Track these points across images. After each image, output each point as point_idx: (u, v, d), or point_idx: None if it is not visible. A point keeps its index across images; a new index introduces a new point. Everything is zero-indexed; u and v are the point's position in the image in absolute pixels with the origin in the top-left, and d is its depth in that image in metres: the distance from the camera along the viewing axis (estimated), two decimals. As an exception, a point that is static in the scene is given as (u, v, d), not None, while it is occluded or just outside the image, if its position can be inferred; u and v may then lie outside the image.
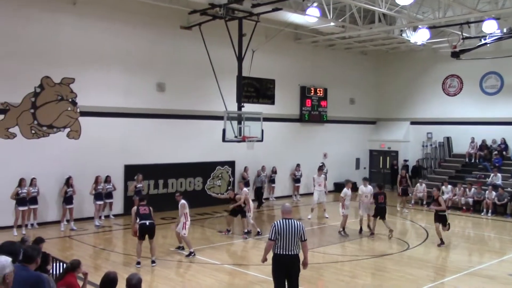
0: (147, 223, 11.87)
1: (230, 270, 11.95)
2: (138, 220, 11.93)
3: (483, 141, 24.27)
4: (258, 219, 18.28)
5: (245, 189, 16.00)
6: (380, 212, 15.63)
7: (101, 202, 17.02)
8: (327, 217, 18.51)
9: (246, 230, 15.49)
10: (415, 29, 21.97)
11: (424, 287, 10.77)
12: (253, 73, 19.14)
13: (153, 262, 11.99)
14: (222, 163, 21.71)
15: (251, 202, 15.78)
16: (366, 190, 16.29)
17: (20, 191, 15.27)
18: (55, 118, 16.89)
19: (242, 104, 18.01)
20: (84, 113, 17.50)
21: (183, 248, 13.39)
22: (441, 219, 14.79)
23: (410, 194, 22.17)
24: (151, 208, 12.22)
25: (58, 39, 16.81)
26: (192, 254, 12.94)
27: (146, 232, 11.93)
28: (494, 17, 18.73)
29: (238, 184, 18.67)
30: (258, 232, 15.54)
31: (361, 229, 16.19)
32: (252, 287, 10.57)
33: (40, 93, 16.54)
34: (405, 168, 24.39)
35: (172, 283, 10.76)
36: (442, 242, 14.52)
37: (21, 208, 15.30)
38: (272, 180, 23.07)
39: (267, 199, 22.89)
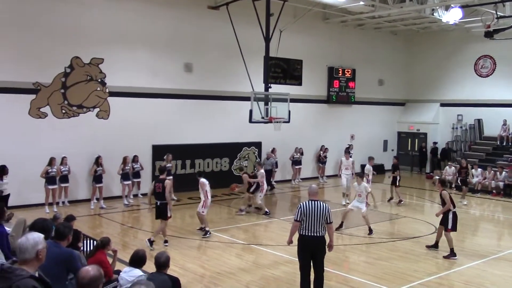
0: (158, 204, 11.80)
1: (256, 250, 12.06)
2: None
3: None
4: (279, 200, 18.35)
5: (261, 170, 16.19)
6: (393, 180, 18.39)
7: (129, 182, 17.26)
8: (348, 203, 18.12)
9: (242, 207, 15.96)
10: (447, 8, 21.40)
11: (450, 270, 10.69)
12: (281, 53, 19.01)
13: (165, 242, 11.94)
14: (249, 144, 21.77)
15: (265, 184, 16.18)
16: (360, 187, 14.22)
17: (50, 170, 15.61)
18: (85, 98, 17.14)
19: (269, 84, 17.91)
20: (113, 93, 17.71)
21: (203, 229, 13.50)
22: (445, 220, 11.81)
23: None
24: (167, 183, 11.65)
25: (87, 19, 16.97)
26: (208, 233, 12.96)
27: (157, 211, 11.90)
28: (531, -4, 18.11)
29: (256, 165, 18.44)
30: (266, 212, 15.77)
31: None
32: (277, 267, 10.65)
33: (70, 73, 16.78)
34: (462, 157, 22.66)
35: (198, 261, 10.92)
36: (436, 245, 12.07)
37: (50, 187, 15.65)
38: (298, 162, 23.02)
39: (289, 181, 22.92)
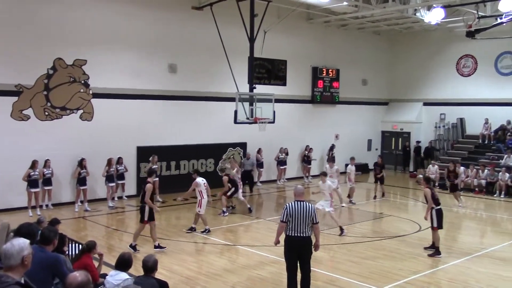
0: (140, 206, 11.76)
1: (242, 251, 12.06)
2: None
3: (502, 125, 23.96)
4: (265, 200, 18.39)
5: (236, 168, 16.62)
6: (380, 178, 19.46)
7: (113, 184, 17.15)
8: (343, 206, 17.66)
9: (224, 209, 15.98)
10: (429, 8, 21.61)
11: (435, 268, 10.80)
12: (265, 54, 19.07)
13: (155, 246, 11.63)
14: (234, 145, 21.75)
15: (240, 182, 16.62)
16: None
17: (32, 173, 15.41)
18: (68, 100, 16.98)
19: (254, 85, 17.94)
20: (96, 95, 17.56)
21: (195, 230, 13.54)
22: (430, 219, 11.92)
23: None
24: (147, 187, 11.43)
25: (69, 20, 16.80)
26: (207, 231, 13.33)
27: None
28: (511, -4, 18.35)
29: (230, 162, 18.06)
30: (249, 208, 16.26)
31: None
32: (263, 267, 10.67)
33: (52, 74, 16.60)
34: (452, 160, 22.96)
35: (185, 263, 10.88)
36: (433, 246, 11.90)
37: (32, 190, 15.45)
38: (283, 162, 23.04)
39: (274, 181, 22.97)
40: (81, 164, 16.36)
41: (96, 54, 17.42)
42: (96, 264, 7.61)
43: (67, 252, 8.13)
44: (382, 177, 19.35)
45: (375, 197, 19.31)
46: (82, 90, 17.28)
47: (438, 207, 11.74)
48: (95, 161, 16.97)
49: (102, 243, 11.97)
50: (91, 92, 17.47)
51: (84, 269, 5.70)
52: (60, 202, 16.75)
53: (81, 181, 16.31)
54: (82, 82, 17.26)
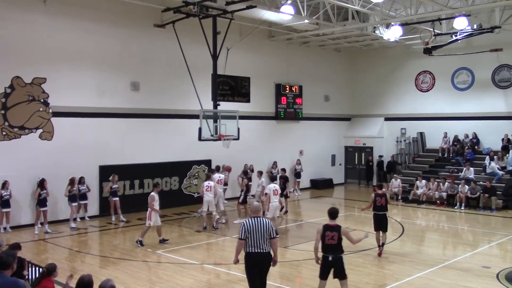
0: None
1: (208, 270, 11.91)
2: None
3: (455, 136, 24.72)
4: (230, 218, 18.27)
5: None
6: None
7: (76, 204, 16.73)
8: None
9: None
10: (388, 26, 22.22)
11: (401, 281, 10.91)
12: (228, 71, 19.12)
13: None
14: (198, 162, 21.60)
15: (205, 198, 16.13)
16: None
17: (-10, 195, 14.91)
18: (27, 119, 16.56)
19: (218, 102, 17.95)
20: (56, 114, 17.18)
21: (164, 241, 14.24)
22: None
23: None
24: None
25: (28, 38, 16.47)
26: (138, 242, 13.90)
27: None
28: (465, 14, 19.09)
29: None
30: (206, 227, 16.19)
31: None
32: (231, 286, 10.55)
33: (10, 93, 16.18)
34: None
35: (150, 284, 10.66)
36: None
37: (-10, 212, 14.93)
38: (248, 179, 22.91)
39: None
40: (42, 184, 15.89)
41: (56, 73, 17.09)
42: (57, 287, 7.36)
43: (26, 276, 7.85)
44: (283, 190, 18.60)
45: (285, 212, 19.10)
46: (41, 109, 16.89)
47: (376, 212, 13.11)
48: (56, 182, 16.53)
49: (64, 266, 11.63)
50: (51, 110, 17.09)
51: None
52: (20, 224, 16.21)
53: (41, 202, 15.82)
54: (42, 100, 16.88)
